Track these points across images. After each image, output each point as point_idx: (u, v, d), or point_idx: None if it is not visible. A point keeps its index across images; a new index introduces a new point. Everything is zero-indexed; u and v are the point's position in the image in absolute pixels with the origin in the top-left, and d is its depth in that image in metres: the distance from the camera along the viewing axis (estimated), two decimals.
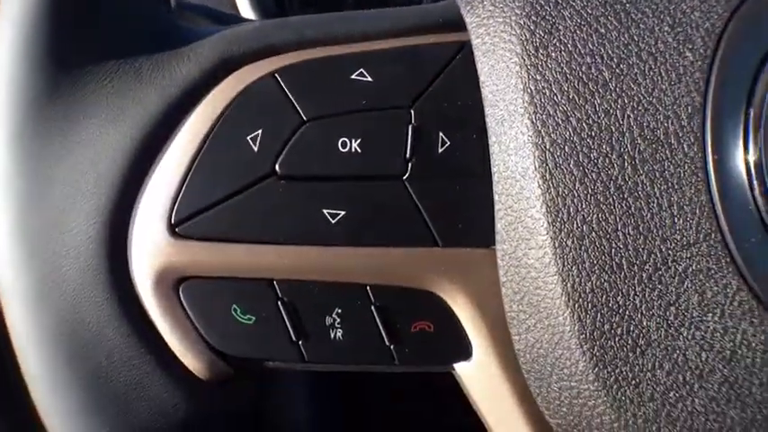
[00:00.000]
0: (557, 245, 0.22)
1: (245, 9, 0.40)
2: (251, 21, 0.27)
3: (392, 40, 0.24)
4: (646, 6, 0.22)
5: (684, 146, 0.22)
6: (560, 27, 0.22)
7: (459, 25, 0.24)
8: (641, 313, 0.21)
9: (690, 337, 0.22)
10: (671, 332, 0.22)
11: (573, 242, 0.21)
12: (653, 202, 0.22)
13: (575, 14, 0.22)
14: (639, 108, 0.22)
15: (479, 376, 0.24)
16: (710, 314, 0.22)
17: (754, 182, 0.22)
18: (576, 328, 0.22)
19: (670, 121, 0.22)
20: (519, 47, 0.22)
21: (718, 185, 0.22)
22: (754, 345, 0.22)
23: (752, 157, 0.22)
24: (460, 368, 0.24)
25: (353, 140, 0.23)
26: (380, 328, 0.23)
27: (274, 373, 0.29)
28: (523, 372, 0.23)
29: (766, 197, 0.22)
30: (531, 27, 0.22)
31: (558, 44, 0.22)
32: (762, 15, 0.23)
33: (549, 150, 0.22)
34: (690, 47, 0.22)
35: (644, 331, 0.22)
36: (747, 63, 0.23)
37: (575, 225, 0.22)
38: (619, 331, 0.22)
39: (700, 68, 0.22)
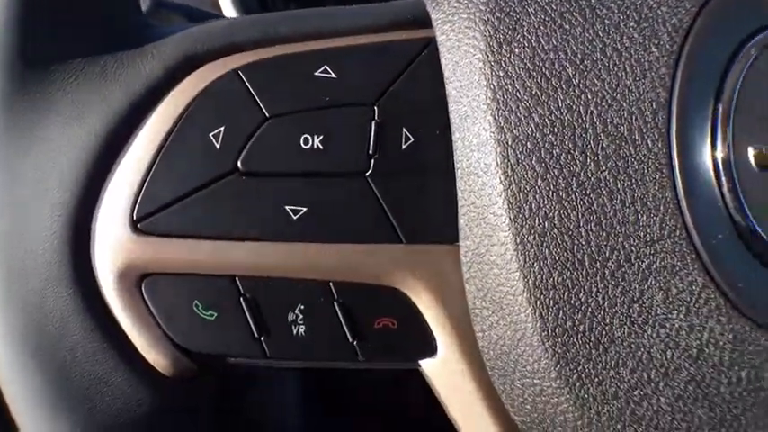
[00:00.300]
0: (518, 241, 0.21)
1: (228, 8, 0.40)
2: (223, 18, 0.27)
3: (358, 36, 0.24)
4: (611, 2, 0.22)
5: (648, 142, 0.22)
6: (524, 23, 0.22)
7: (426, 22, 0.24)
8: (604, 310, 0.21)
9: (654, 334, 0.21)
10: (634, 329, 0.21)
11: (534, 239, 0.21)
12: (616, 199, 0.21)
13: (539, 10, 0.22)
14: (603, 104, 0.22)
15: (445, 373, 0.24)
16: (675, 312, 0.21)
17: (722, 179, 0.22)
18: (537, 324, 0.21)
19: (634, 117, 0.22)
20: (483, 43, 0.22)
21: (683, 182, 0.22)
22: (721, 343, 0.21)
23: (719, 154, 0.22)
24: (426, 365, 0.24)
25: (316, 137, 0.23)
26: (343, 324, 0.23)
27: (256, 370, 0.29)
28: (488, 369, 0.23)
29: (734, 194, 0.22)
30: (495, 23, 0.22)
31: (521, 40, 0.22)
32: (731, 11, 0.23)
33: (510, 146, 0.22)
34: (656, 42, 0.22)
35: (607, 328, 0.21)
36: (716, 59, 0.22)
37: (536, 221, 0.21)
38: (581, 328, 0.21)
39: (666, 64, 0.22)
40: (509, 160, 0.22)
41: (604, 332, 0.21)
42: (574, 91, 0.22)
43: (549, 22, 0.22)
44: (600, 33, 0.22)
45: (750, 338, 0.22)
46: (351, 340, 0.23)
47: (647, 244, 0.21)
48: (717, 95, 0.22)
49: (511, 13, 0.22)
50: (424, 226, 0.23)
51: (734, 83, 0.22)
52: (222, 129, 0.23)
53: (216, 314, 0.23)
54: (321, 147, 0.23)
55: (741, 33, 0.23)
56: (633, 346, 0.21)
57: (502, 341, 0.22)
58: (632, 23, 0.22)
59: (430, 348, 0.24)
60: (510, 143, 0.22)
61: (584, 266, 0.21)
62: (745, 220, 0.22)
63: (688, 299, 0.21)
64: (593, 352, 0.21)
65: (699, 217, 0.22)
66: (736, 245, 0.22)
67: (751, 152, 0.22)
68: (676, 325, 0.21)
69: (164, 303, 0.23)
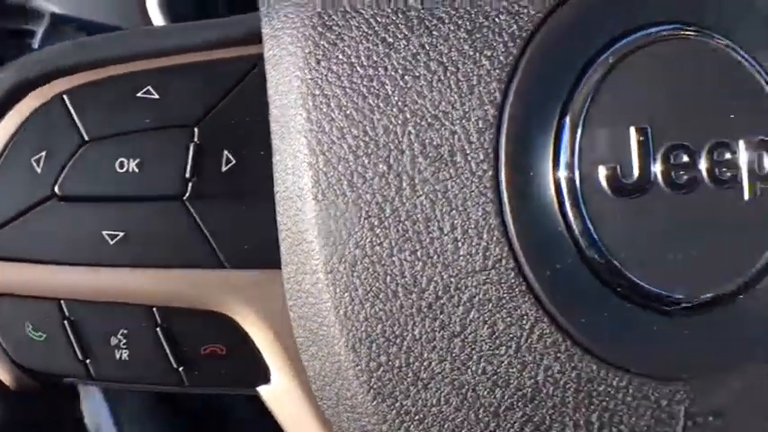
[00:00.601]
0: (328, 270, 0.20)
1: (156, 15, 0.39)
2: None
3: (188, 54, 0.23)
4: (443, 12, 0.21)
5: (472, 164, 0.20)
6: (345, 38, 0.21)
7: (260, 38, 0.23)
8: (422, 344, 0.20)
9: (479, 371, 0.20)
10: (456, 366, 0.20)
11: (345, 268, 0.20)
12: (433, 226, 0.20)
13: (363, 24, 0.21)
14: (422, 123, 0.20)
15: (281, 400, 0.23)
16: (504, 348, 0.20)
17: (566, 202, 0.20)
18: (350, 358, 0.20)
19: (457, 137, 0.20)
20: (301, 60, 0.21)
21: (512, 207, 0.20)
22: (563, 383, 0.20)
23: (563, 174, 0.20)
24: (263, 391, 0.23)
25: (131, 161, 0.22)
26: (167, 350, 0.23)
27: None
28: (317, 399, 0.22)
29: (580, 218, 0.20)
30: (316, 38, 0.21)
31: (340, 56, 0.21)
32: (584, 17, 0.21)
33: (322, 170, 0.20)
34: (488, 54, 0.20)
35: (425, 364, 0.20)
36: (565, 69, 0.20)
37: (347, 249, 0.20)
38: (397, 363, 0.20)
39: (497, 78, 0.20)
40: (320, 184, 0.20)
41: (423, 368, 0.20)
42: (391, 110, 0.20)
43: (371, 36, 0.21)
44: (426, 46, 0.20)
45: (599, 378, 0.20)
46: (176, 366, 0.23)
47: (468, 274, 0.20)
48: (563, 109, 0.20)
49: (333, 28, 0.21)
50: (247, 250, 0.22)
51: (585, 95, 0.20)
52: (44, 153, 0.23)
53: (44, 335, 0.23)
54: (137, 170, 0.22)
55: (597, 41, 0.20)
56: (456, 383, 0.20)
57: (323, 373, 0.21)
58: (463, 34, 0.20)
59: (264, 375, 0.23)
60: (321, 166, 0.21)
61: (399, 298, 0.20)
62: (593, 248, 0.20)
63: (518, 334, 0.20)
64: (412, 388, 0.20)
65: (532, 245, 0.20)
66: (581, 274, 0.20)
67: (602, 171, 0.20)
68: (505, 362, 0.20)
69: (1, 323, 0.24)
